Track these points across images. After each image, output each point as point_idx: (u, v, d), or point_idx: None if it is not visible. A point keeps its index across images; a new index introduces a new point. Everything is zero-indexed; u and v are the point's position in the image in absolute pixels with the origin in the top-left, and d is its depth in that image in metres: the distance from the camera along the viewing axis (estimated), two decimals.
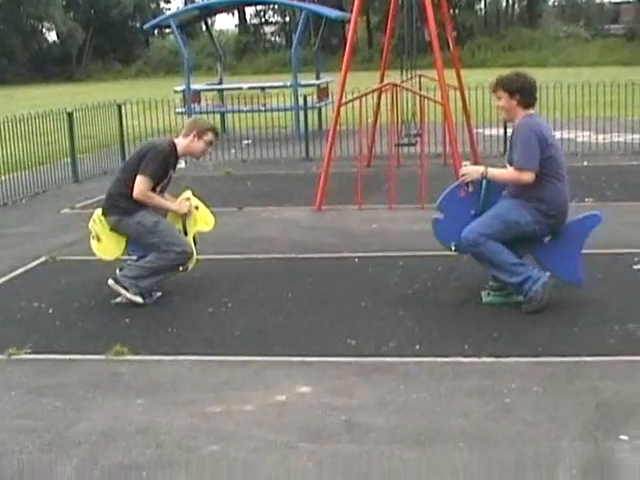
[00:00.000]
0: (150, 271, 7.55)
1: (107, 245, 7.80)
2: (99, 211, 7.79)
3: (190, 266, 7.84)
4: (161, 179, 7.66)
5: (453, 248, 7.30)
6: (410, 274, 8.21)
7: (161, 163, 7.59)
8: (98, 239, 7.79)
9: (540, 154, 6.82)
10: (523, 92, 7.00)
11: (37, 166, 15.02)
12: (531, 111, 7.06)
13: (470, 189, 7.19)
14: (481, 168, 7.22)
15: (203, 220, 7.92)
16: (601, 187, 12.29)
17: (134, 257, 7.83)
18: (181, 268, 7.80)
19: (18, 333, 6.98)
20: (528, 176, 6.84)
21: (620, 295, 7.33)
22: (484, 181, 7.15)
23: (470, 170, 7.24)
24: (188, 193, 7.94)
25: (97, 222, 7.76)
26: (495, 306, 7.11)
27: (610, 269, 8.06)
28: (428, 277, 8.04)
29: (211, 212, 7.99)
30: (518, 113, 7.03)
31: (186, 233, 7.83)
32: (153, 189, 7.62)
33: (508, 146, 7.24)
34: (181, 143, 7.78)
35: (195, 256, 7.79)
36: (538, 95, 7.20)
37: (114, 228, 7.71)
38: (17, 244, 10.35)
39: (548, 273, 7.06)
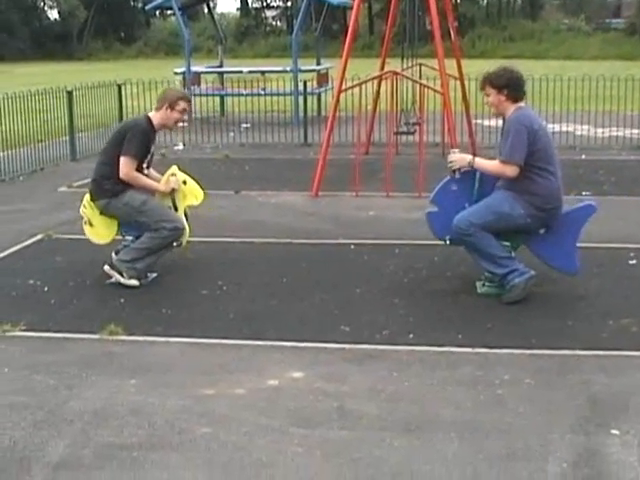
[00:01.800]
0: (145, 252, 7.55)
1: (99, 229, 7.81)
2: (88, 196, 7.79)
3: (184, 241, 7.83)
4: (144, 156, 7.67)
5: (448, 242, 7.31)
6: (405, 262, 8.22)
7: (142, 141, 7.59)
8: (90, 224, 7.80)
9: (531, 146, 6.83)
10: (511, 86, 7.00)
11: (35, 143, 15.00)
12: (521, 104, 7.06)
13: (457, 176, 7.20)
14: (468, 157, 7.22)
15: (192, 194, 7.90)
16: (599, 181, 12.31)
17: (129, 238, 7.81)
18: (175, 243, 7.80)
19: (13, 310, 6.98)
20: (511, 170, 6.85)
21: (615, 290, 7.34)
22: (478, 173, 7.16)
23: (458, 158, 7.21)
24: (174, 168, 7.90)
25: (87, 207, 7.77)
26: (490, 297, 7.12)
27: (606, 264, 8.07)
28: (423, 266, 8.06)
29: (201, 188, 7.96)
30: (508, 107, 7.03)
31: (176, 209, 7.82)
32: (139, 167, 7.62)
33: (500, 138, 7.22)
34: (156, 117, 7.76)
35: (188, 230, 7.79)
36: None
37: (103, 211, 7.71)
38: (14, 221, 10.35)
39: (533, 272, 7.06)
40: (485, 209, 7.02)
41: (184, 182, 7.86)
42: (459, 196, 7.21)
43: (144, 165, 7.72)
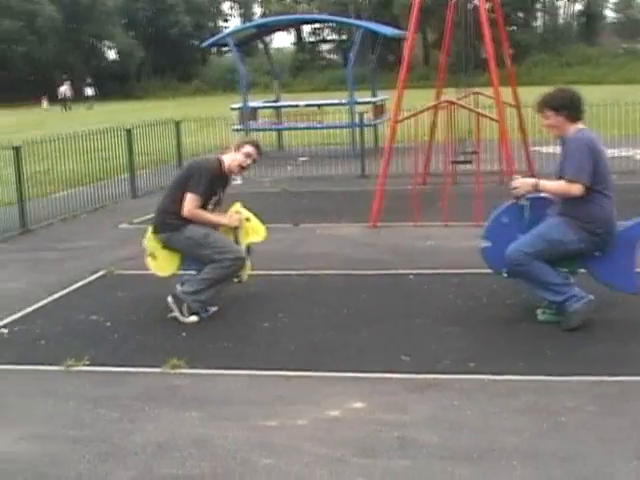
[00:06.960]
0: (208, 283, 7.61)
1: (162, 262, 7.89)
2: (150, 229, 7.90)
3: (245, 277, 7.91)
4: (210, 197, 7.75)
5: (505, 275, 7.27)
6: (465, 291, 8.20)
7: (210, 181, 7.67)
8: (153, 256, 7.88)
9: (593, 168, 6.78)
10: (569, 106, 6.94)
11: (96, 182, 15.25)
12: (580, 125, 7.01)
13: (523, 202, 7.16)
14: (532, 180, 7.16)
15: (255, 232, 7.98)
16: None
17: (192, 272, 7.87)
18: (236, 279, 7.86)
19: (77, 345, 7.08)
20: (577, 189, 6.77)
21: None
22: (528, 204, 7.12)
23: (521, 183, 7.17)
24: (238, 206, 8.01)
25: (150, 240, 7.86)
26: (550, 324, 7.07)
27: None
28: (483, 294, 8.03)
29: (264, 224, 8.03)
30: (568, 128, 6.98)
31: (239, 245, 7.89)
32: (204, 207, 7.71)
33: (558, 160, 7.16)
34: (226, 159, 7.89)
35: (249, 266, 7.87)
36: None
37: (166, 245, 7.81)
38: (77, 258, 10.52)
39: (592, 297, 7.00)
40: (536, 238, 6.98)
41: (247, 219, 7.95)
42: (511, 228, 7.18)
43: (209, 207, 7.79)
